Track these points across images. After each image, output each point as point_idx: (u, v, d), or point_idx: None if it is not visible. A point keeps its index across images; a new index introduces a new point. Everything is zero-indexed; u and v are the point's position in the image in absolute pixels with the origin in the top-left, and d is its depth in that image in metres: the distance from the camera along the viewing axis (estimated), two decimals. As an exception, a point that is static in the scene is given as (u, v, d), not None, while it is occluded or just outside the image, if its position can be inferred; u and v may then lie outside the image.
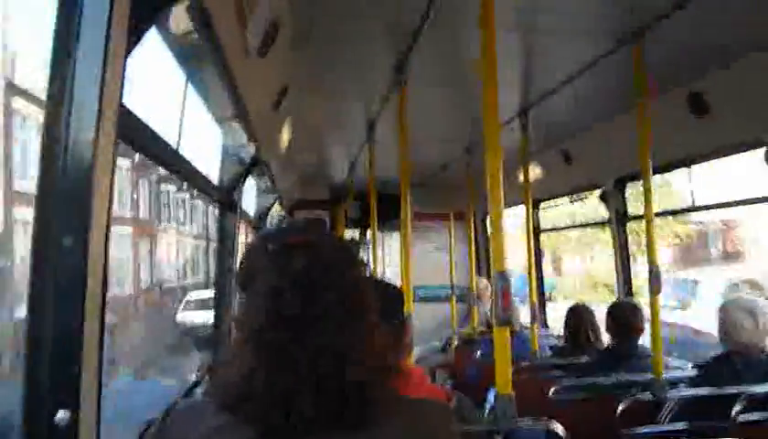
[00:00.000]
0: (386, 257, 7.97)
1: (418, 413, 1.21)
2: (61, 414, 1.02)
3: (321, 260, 1.18)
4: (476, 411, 2.67)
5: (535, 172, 5.40)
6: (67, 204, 1.07)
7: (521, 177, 4.76)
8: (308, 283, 1.16)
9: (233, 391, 1.13)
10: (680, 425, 3.03)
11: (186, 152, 2.33)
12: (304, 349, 1.12)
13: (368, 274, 1.29)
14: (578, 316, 4.68)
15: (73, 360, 1.04)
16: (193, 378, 3.45)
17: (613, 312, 3.94)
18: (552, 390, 3.58)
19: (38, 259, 1.05)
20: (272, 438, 1.10)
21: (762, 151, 3.40)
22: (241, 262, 1.27)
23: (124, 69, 1.20)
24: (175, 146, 2.15)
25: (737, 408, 2.71)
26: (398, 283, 3.37)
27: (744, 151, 3.62)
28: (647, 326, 4.57)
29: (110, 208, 1.14)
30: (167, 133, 2.03)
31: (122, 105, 1.20)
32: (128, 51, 1.22)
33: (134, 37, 1.24)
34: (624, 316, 3.88)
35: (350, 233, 9.16)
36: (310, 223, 1.28)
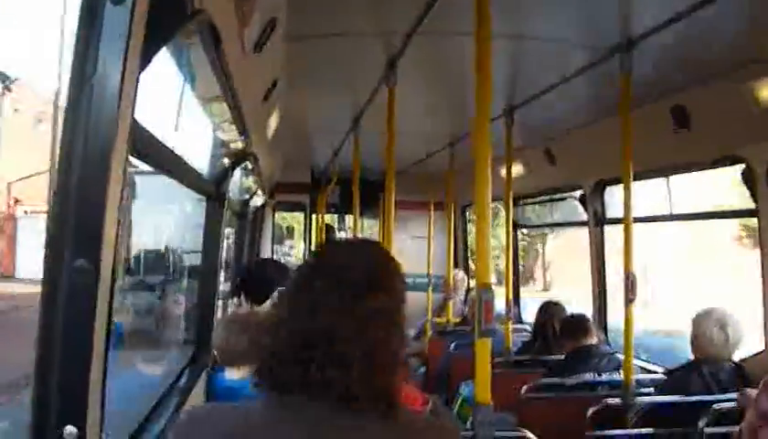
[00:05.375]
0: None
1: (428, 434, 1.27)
2: (69, 430, 1.06)
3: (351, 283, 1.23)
4: (450, 413, 2.72)
5: (516, 169, 5.44)
6: (79, 223, 1.09)
7: (502, 173, 4.81)
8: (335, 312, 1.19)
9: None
10: (647, 431, 3.14)
11: (176, 148, 2.33)
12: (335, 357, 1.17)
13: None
14: (546, 312, 4.79)
15: (81, 379, 1.07)
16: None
17: (566, 325, 4.13)
18: (525, 388, 3.67)
19: (51, 278, 1.07)
20: (303, 423, 1.14)
21: (738, 168, 3.49)
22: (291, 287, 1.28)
23: (137, 88, 1.21)
24: (166, 145, 2.15)
25: (704, 420, 2.80)
26: None
27: (721, 166, 3.70)
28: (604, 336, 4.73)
29: (119, 228, 1.16)
30: (164, 137, 2.04)
31: (134, 121, 1.22)
32: (141, 69, 1.23)
33: (147, 56, 1.25)
34: (578, 325, 4.01)
35: (329, 218, 9.18)
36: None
